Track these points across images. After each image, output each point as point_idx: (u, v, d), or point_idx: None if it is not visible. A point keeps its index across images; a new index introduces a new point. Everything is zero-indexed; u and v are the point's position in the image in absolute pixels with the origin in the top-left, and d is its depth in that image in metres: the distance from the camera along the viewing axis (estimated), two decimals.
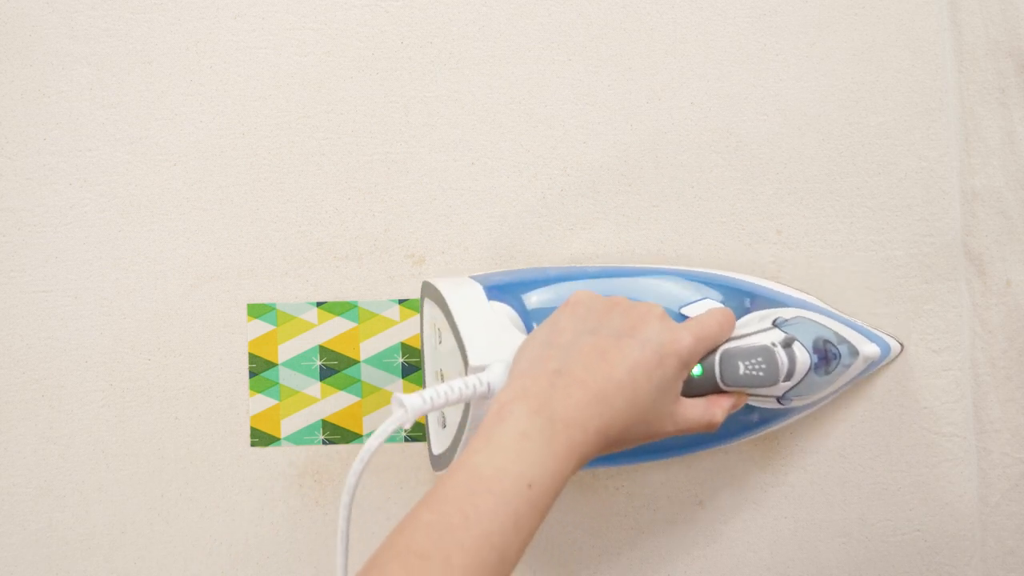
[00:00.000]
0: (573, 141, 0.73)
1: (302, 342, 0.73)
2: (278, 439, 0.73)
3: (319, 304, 0.73)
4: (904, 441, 0.72)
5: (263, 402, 0.73)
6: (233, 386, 0.73)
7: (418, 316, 0.72)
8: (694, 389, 0.60)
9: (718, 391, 0.61)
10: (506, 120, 0.73)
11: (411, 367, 0.73)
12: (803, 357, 0.62)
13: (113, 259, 0.73)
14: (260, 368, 0.73)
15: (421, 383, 0.72)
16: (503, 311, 0.64)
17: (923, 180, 0.73)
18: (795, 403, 0.66)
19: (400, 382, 0.73)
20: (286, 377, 0.73)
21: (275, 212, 0.73)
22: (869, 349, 0.69)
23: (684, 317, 0.65)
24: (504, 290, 0.65)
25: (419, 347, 0.71)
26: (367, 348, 0.73)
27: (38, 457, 0.72)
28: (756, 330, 0.63)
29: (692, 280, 0.68)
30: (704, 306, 0.65)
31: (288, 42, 0.73)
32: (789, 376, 0.62)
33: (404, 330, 0.73)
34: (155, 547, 0.72)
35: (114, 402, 0.72)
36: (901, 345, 0.72)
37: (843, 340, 0.67)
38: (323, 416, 0.73)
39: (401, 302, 0.73)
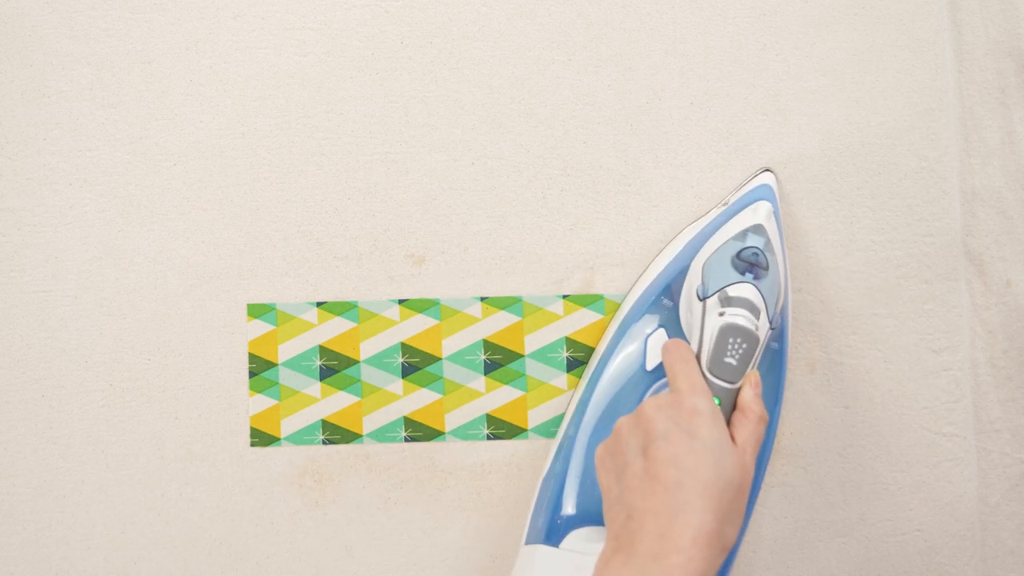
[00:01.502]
0: (573, 141, 0.73)
1: (302, 342, 0.73)
2: (278, 439, 0.73)
3: (319, 304, 0.73)
4: (904, 441, 0.72)
5: (263, 402, 0.73)
6: (233, 386, 0.73)
7: (417, 316, 0.72)
8: (727, 415, 0.60)
9: (736, 390, 0.61)
10: (506, 120, 0.73)
11: (411, 367, 0.73)
12: (746, 292, 0.61)
13: (113, 259, 0.73)
14: (260, 368, 0.73)
15: (422, 383, 0.72)
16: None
17: (923, 180, 0.73)
18: (778, 309, 0.65)
19: (400, 382, 0.73)
20: (286, 377, 0.73)
21: (275, 212, 0.73)
22: (763, 210, 0.67)
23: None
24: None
25: (420, 348, 0.71)
26: (367, 348, 0.73)
27: (38, 457, 0.72)
28: (700, 320, 0.63)
29: (627, 324, 0.68)
30: (658, 341, 0.66)
31: (288, 42, 0.73)
32: (758, 314, 0.61)
33: (404, 330, 0.73)
34: (155, 547, 0.72)
35: (114, 402, 0.72)
36: (768, 170, 0.71)
37: (743, 234, 0.65)
38: (323, 416, 0.73)
39: (401, 302, 0.73)
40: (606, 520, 0.55)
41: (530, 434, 0.72)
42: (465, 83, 0.73)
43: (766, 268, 0.63)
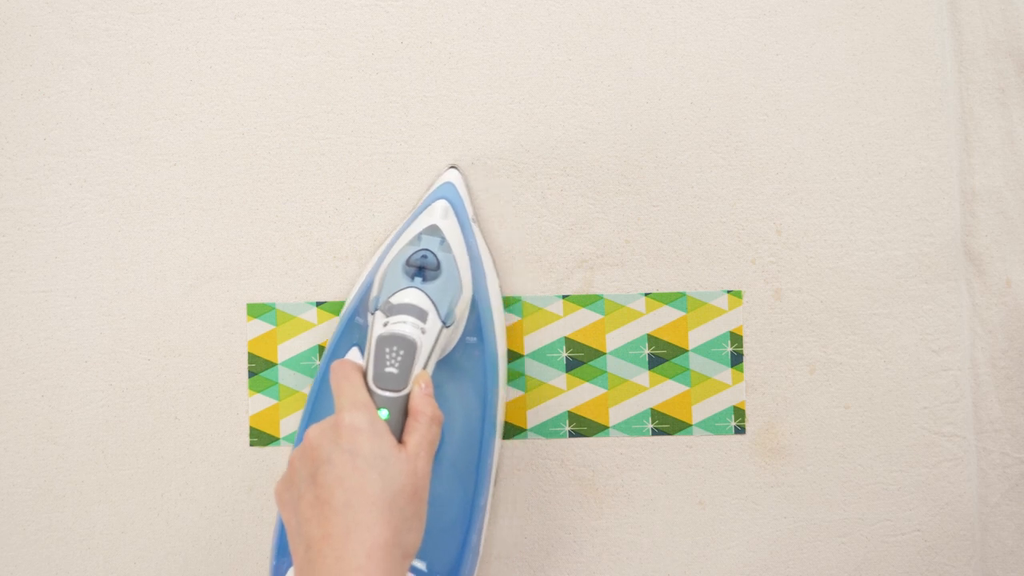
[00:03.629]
0: (573, 141, 0.73)
1: (301, 342, 0.73)
2: (277, 439, 0.73)
3: (319, 304, 0.73)
4: (904, 441, 0.72)
5: (262, 402, 0.73)
6: (232, 386, 0.73)
7: None
8: (400, 422, 0.59)
9: (406, 397, 0.59)
10: (506, 120, 0.73)
11: None
12: (409, 297, 0.61)
13: (113, 259, 0.73)
14: (259, 368, 0.73)
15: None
16: None
17: (923, 180, 0.73)
18: (458, 310, 0.64)
19: None
20: (285, 377, 0.73)
21: (275, 212, 0.73)
22: (438, 210, 0.67)
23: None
24: None
25: None
26: None
27: (38, 457, 0.72)
28: (369, 333, 0.62)
29: (330, 348, 0.68)
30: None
31: (288, 42, 0.73)
32: (425, 316, 0.61)
33: None
34: (155, 547, 0.72)
35: (114, 402, 0.72)
36: (453, 167, 0.72)
37: (418, 238, 0.65)
38: None
39: None
40: (292, 555, 0.55)
41: (529, 434, 0.72)
42: (465, 83, 0.73)
43: (436, 268, 0.63)
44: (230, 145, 0.73)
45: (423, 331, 0.60)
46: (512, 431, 0.73)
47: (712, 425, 0.72)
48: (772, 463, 0.72)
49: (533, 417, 0.73)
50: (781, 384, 0.72)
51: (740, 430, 0.72)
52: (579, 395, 0.73)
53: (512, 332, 0.73)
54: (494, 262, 0.72)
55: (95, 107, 0.73)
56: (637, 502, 0.72)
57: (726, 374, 0.72)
